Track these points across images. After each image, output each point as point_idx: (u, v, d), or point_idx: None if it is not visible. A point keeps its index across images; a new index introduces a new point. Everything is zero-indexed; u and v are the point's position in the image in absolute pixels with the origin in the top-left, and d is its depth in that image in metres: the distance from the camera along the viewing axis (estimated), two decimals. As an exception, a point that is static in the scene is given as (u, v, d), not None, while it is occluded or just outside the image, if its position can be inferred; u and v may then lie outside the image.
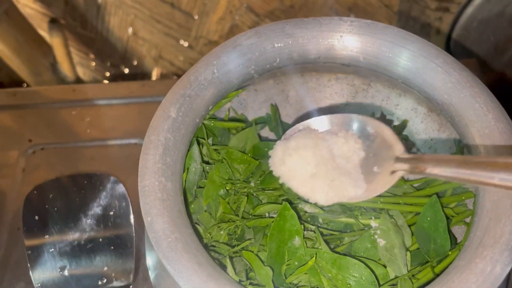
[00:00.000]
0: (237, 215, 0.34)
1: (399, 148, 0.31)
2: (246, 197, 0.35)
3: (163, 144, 0.31)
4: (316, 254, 0.31)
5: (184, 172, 0.32)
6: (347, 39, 0.35)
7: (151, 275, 0.35)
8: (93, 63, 1.11)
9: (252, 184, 0.37)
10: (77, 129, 0.54)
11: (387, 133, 0.32)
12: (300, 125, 0.35)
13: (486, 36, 0.73)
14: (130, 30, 1.07)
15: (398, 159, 0.30)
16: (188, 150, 0.34)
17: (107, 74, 1.12)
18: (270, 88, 0.44)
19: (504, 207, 0.27)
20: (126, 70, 1.12)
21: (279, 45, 0.36)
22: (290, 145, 0.33)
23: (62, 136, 0.54)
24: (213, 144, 0.38)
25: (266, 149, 0.39)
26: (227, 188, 0.36)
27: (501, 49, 0.74)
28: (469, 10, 0.71)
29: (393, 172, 0.30)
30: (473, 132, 0.30)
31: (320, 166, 0.31)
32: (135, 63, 1.12)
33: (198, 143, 0.35)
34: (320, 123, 0.35)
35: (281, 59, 0.36)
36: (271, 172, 0.37)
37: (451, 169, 0.25)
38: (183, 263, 0.26)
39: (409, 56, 0.34)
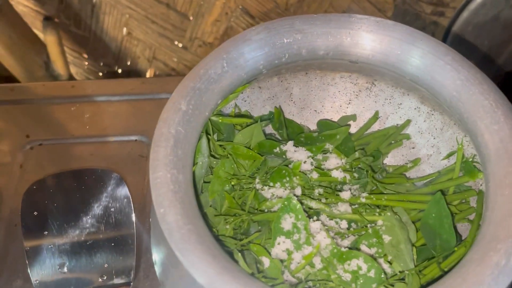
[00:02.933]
0: (243, 210, 0.34)
1: None
2: (252, 191, 0.35)
3: (174, 137, 0.30)
4: (320, 244, 0.31)
5: (193, 165, 0.32)
6: (356, 36, 0.36)
7: (158, 270, 0.35)
8: (86, 63, 1.10)
9: (257, 180, 0.37)
10: (76, 125, 0.54)
11: None
12: None
13: (480, 40, 0.74)
14: (124, 30, 1.06)
15: None
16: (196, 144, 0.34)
17: (100, 74, 1.11)
18: (274, 86, 0.45)
19: (516, 202, 0.27)
20: (120, 70, 1.11)
21: (289, 40, 0.36)
22: None
23: (60, 132, 0.54)
24: (218, 140, 0.38)
25: (271, 146, 0.39)
26: (232, 183, 0.36)
27: (495, 54, 0.76)
28: (465, 14, 0.72)
29: None
30: (482, 129, 0.31)
31: None
32: (128, 63, 1.12)
33: (207, 137, 0.35)
34: None
35: (289, 55, 0.36)
36: (279, 168, 0.37)
37: None
38: (197, 255, 0.26)
39: (418, 53, 0.34)
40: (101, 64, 1.13)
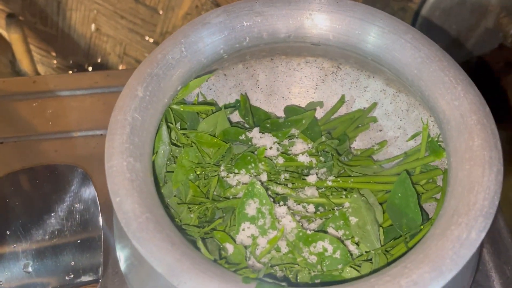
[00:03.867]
0: (208, 198, 0.33)
1: None
2: (215, 179, 0.34)
3: (131, 124, 0.29)
4: (285, 228, 0.30)
5: (153, 154, 0.31)
6: (317, 17, 0.35)
7: (122, 266, 0.34)
8: (55, 61, 1.07)
9: (222, 167, 0.36)
10: (39, 121, 0.52)
11: None
12: None
13: (448, 25, 0.74)
14: (93, 26, 1.04)
15: None
16: (157, 132, 0.33)
17: (70, 72, 1.09)
18: (240, 73, 0.44)
19: (476, 176, 0.27)
20: (90, 68, 1.09)
21: (249, 23, 0.35)
22: None
23: (23, 129, 0.52)
24: (181, 129, 0.37)
25: (236, 133, 0.39)
26: (197, 172, 0.36)
27: (463, 38, 0.76)
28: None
29: None
30: (443, 105, 0.31)
31: None
32: (99, 60, 1.09)
33: (167, 125, 0.34)
34: None
35: (250, 38, 0.36)
36: (244, 155, 0.36)
37: None
38: (155, 243, 0.25)
39: (378, 32, 0.34)
40: (71, 62, 1.10)
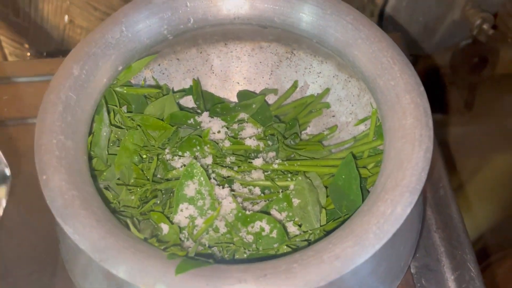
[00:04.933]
0: (148, 180, 0.33)
1: None
2: (155, 160, 0.34)
3: (64, 102, 0.29)
4: (223, 208, 0.30)
5: (90, 135, 0.31)
6: (260, -2, 0.35)
7: (61, 248, 0.33)
8: (28, 53, 1.06)
9: (167, 150, 0.35)
10: (-6, 107, 0.51)
11: None
12: None
13: (415, 16, 0.75)
14: (66, 17, 1.02)
15: None
16: (97, 114, 0.32)
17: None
18: (194, 58, 0.43)
19: (406, 153, 0.27)
20: (64, 60, 1.07)
21: (193, 4, 0.35)
22: None
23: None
24: (128, 112, 0.37)
25: (185, 117, 0.38)
26: (142, 155, 0.35)
27: (430, 30, 0.77)
28: (398, -11, 0.73)
29: None
30: (381, 85, 0.31)
31: None
32: (73, 52, 1.08)
33: (108, 107, 0.34)
34: None
35: (195, 19, 0.35)
36: (189, 137, 0.36)
37: None
38: (79, 220, 0.25)
39: (319, 13, 0.34)
40: (44, 54, 1.08)
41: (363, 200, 0.33)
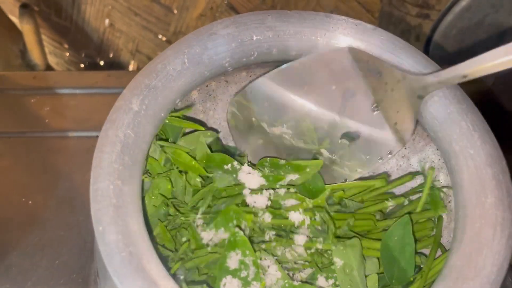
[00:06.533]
0: (176, 250, 0.30)
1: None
2: (190, 232, 0.30)
3: (122, 141, 0.27)
4: (268, 279, 0.27)
5: (144, 174, 0.29)
6: (332, 38, 0.32)
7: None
8: (67, 53, 1.06)
9: (199, 215, 0.31)
10: (35, 118, 0.50)
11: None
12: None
13: (465, 45, 0.71)
14: (107, 21, 1.02)
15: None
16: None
17: (82, 65, 1.07)
18: (243, 81, 0.41)
19: (486, 238, 0.24)
20: (102, 63, 1.07)
21: (258, 38, 0.32)
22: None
23: (17, 125, 0.50)
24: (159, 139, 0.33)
25: (222, 161, 0.33)
26: (169, 211, 0.31)
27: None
28: (449, 17, 0.69)
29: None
30: (457, 150, 0.28)
31: None
32: (111, 55, 1.08)
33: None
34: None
35: (259, 53, 0.33)
36: (227, 210, 0.31)
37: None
38: (136, 283, 0.23)
39: (397, 63, 0.31)
40: (83, 55, 1.09)
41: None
